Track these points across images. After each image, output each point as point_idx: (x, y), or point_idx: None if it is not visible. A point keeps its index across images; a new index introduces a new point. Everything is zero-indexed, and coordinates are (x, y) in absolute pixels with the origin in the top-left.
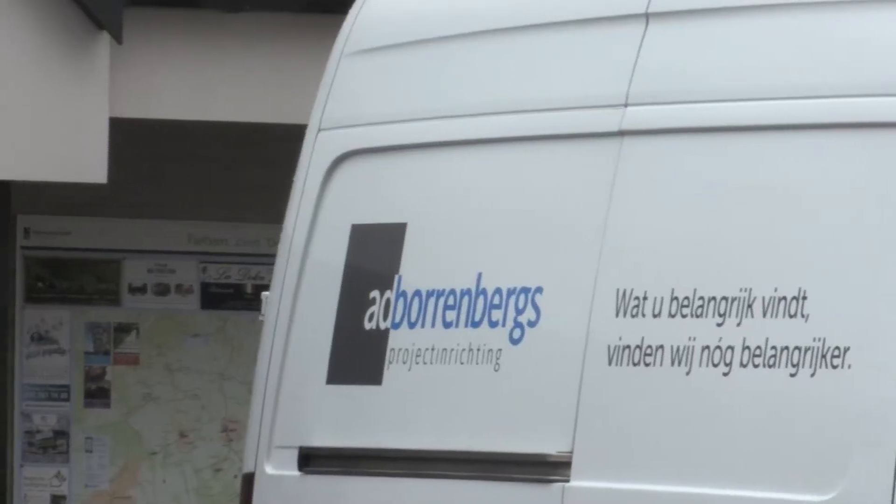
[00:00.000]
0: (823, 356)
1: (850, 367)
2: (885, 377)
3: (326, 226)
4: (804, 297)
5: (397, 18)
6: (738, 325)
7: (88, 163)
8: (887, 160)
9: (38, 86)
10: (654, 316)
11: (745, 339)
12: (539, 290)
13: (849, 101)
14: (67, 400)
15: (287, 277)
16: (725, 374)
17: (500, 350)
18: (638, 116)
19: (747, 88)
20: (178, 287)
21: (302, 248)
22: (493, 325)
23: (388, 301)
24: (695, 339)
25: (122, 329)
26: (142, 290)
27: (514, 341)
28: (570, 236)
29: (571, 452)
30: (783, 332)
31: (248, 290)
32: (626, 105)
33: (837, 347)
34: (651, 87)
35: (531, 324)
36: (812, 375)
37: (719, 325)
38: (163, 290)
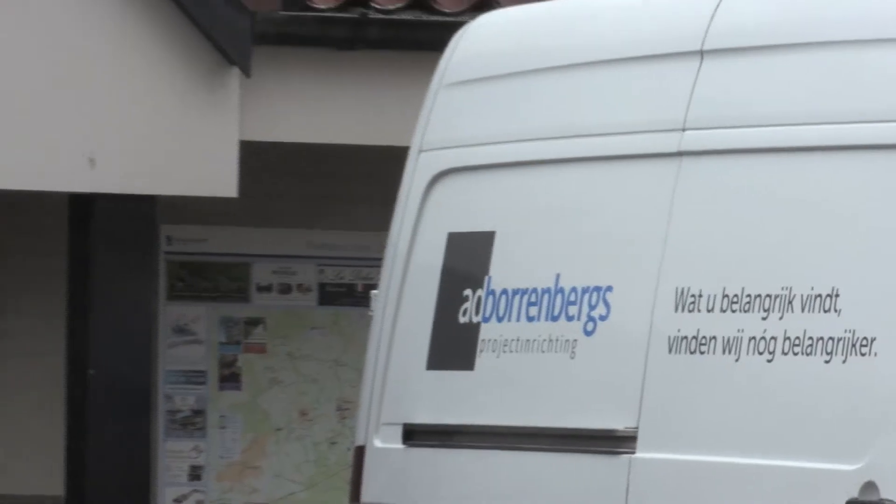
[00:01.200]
0: (853, 345)
1: (876, 354)
2: None
3: (426, 233)
4: (837, 295)
5: (486, 56)
6: (780, 318)
7: (221, 179)
8: (870, 173)
9: (178, 113)
10: (708, 311)
11: (785, 331)
12: (609, 288)
13: (875, 125)
14: (204, 383)
15: (392, 278)
16: (769, 361)
17: (575, 340)
18: (694, 139)
19: (786, 115)
20: (299, 286)
21: (405, 253)
22: (569, 319)
23: (479, 298)
24: (743, 330)
25: (251, 322)
26: (268, 289)
27: (588, 333)
28: (636, 242)
29: (637, 428)
30: (818, 324)
31: (359, 288)
32: (683, 129)
33: (865, 338)
34: (704, 114)
35: (602, 318)
36: (843, 362)
37: (764, 318)
38: (285, 289)
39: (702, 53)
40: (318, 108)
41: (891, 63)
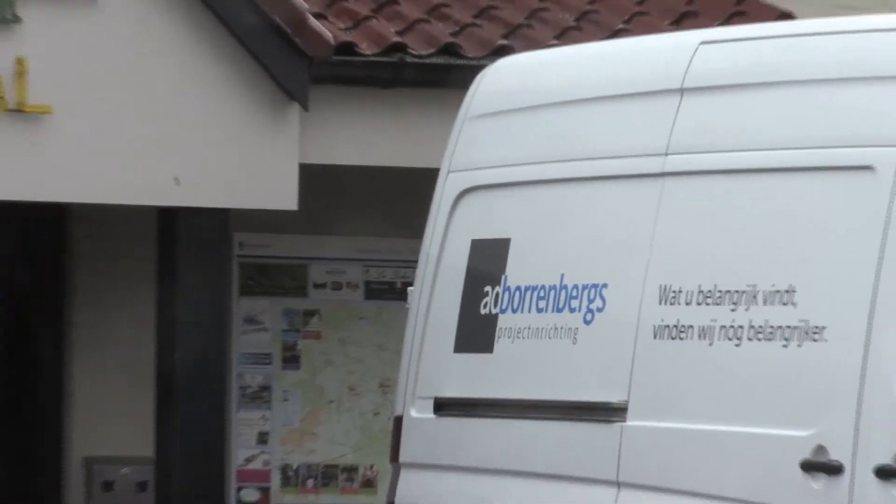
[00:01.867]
0: (807, 333)
1: (826, 340)
2: (851, 348)
3: (453, 240)
4: (793, 291)
5: (502, 93)
6: (746, 310)
7: (284, 195)
8: (849, 193)
9: (249, 140)
10: (686, 304)
11: (750, 321)
12: (605, 285)
13: (824, 151)
14: (270, 364)
15: (426, 277)
16: (737, 346)
17: (576, 329)
18: (675, 163)
19: (750, 142)
20: (348, 284)
21: (436, 256)
22: (571, 310)
23: (497, 294)
24: (715, 320)
25: (309, 314)
26: (322, 286)
27: (587, 322)
28: (627, 247)
29: (627, 401)
30: (778, 315)
31: (398, 286)
32: (666, 154)
33: (817, 327)
34: (683, 142)
35: (599, 310)
36: (799, 346)
37: (732, 310)
38: (337, 287)
39: (682, 91)
40: (365, 137)
41: (837, 99)
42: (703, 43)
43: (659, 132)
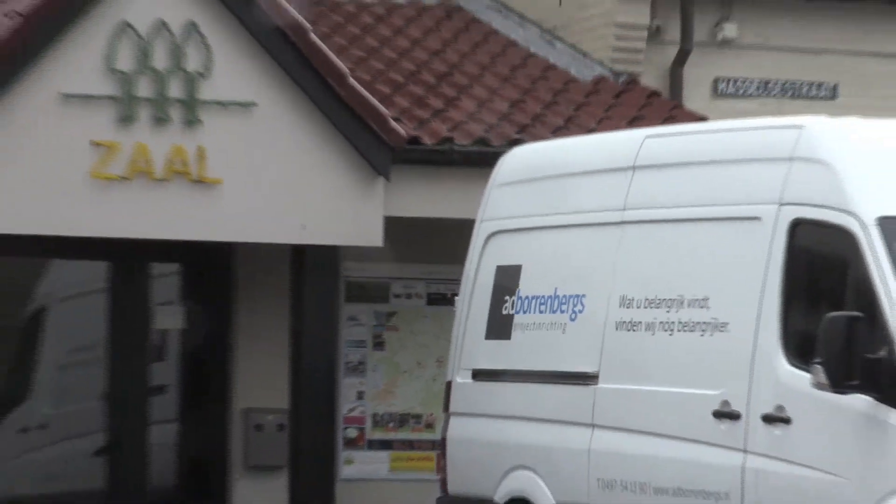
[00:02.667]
0: (716, 327)
1: (729, 332)
2: (745, 337)
3: (484, 266)
4: (707, 298)
5: (517, 170)
6: (676, 311)
7: (373, 236)
8: (744, 234)
9: (350, 199)
10: (637, 308)
11: (679, 319)
12: (584, 295)
13: (720, 208)
14: (364, 347)
15: (466, 290)
16: (670, 335)
17: (565, 324)
18: (630, 215)
19: (676, 201)
20: (416, 295)
21: (473, 276)
22: (562, 312)
23: (513, 301)
24: (656, 318)
25: (390, 314)
26: (399, 296)
27: (572, 319)
28: (598, 269)
29: (598, 371)
30: (697, 315)
31: (449, 296)
32: (624, 210)
33: (722, 322)
34: (634, 201)
35: (580, 311)
36: (711, 335)
37: (667, 312)
38: (409, 297)
39: (634, 168)
40: (426, 198)
41: (735, 173)
42: (647, 137)
43: (619, 195)
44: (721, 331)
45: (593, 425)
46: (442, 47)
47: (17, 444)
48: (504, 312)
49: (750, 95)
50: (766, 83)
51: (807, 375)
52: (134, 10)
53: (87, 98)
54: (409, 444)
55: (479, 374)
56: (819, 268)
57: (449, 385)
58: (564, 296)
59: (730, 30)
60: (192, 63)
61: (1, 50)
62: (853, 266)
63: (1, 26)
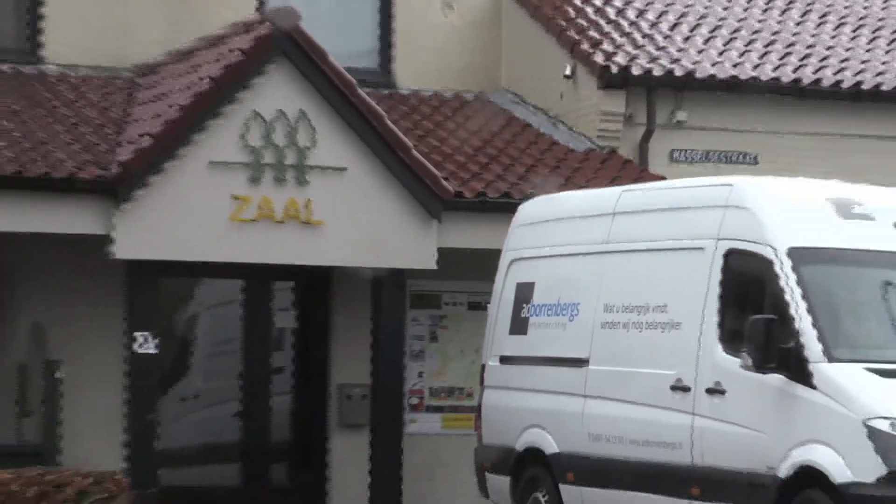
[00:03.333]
0: (673, 326)
1: (682, 329)
2: (692, 333)
3: (508, 283)
4: (665, 305)
5: (531, 215)
6: (644, 315)
7: (429, 261)
8: (693, 261)
9: (413, 235)
10: (616, 312)
11: (646, 320)
12: (579, 303)
13: (681, 240)
14: (423, 340)
15: (495, 300)
16: (640, 332)
17: (565, 324)
18: (611, 246)
19: (644, 237)
20: (459, 303)
21: (500, 290)
22: (563, 315)
23: (529, 307)
24: (630, 319)
25: (441, 317)
26: (447, 304)
27: (571, 321)
28: (589, 285)
29: (589, 357)
30: (659, 317)
31: (483, 304)
32: (607, 242)
33: (677, 322)
34: (615, 237)
35: (576, 315)
36: (669, 332)
37: (638, 315)
38: (455, 304)
39: (614, 214)
40: (468, 234)
41: (685, 216)
42: (623, 191)
43: (603, 232)
44: (676, 328)
45: (585, 396)
46: (478, 129)
47: (178, 409)
48: (522, 316)
49: (696, 162)
50: (708, 153)
51: (737, 360)
52: (261, 102)
53: (228, 165)
54: (455, 409)
55: (504, 359)
56: (745, 284)
57: (483, 367)
58: (565, 304)
59: (681, 116)
60: (302, 139)
61: (168, 131)
62: (770, 282)
63: (167, 114)
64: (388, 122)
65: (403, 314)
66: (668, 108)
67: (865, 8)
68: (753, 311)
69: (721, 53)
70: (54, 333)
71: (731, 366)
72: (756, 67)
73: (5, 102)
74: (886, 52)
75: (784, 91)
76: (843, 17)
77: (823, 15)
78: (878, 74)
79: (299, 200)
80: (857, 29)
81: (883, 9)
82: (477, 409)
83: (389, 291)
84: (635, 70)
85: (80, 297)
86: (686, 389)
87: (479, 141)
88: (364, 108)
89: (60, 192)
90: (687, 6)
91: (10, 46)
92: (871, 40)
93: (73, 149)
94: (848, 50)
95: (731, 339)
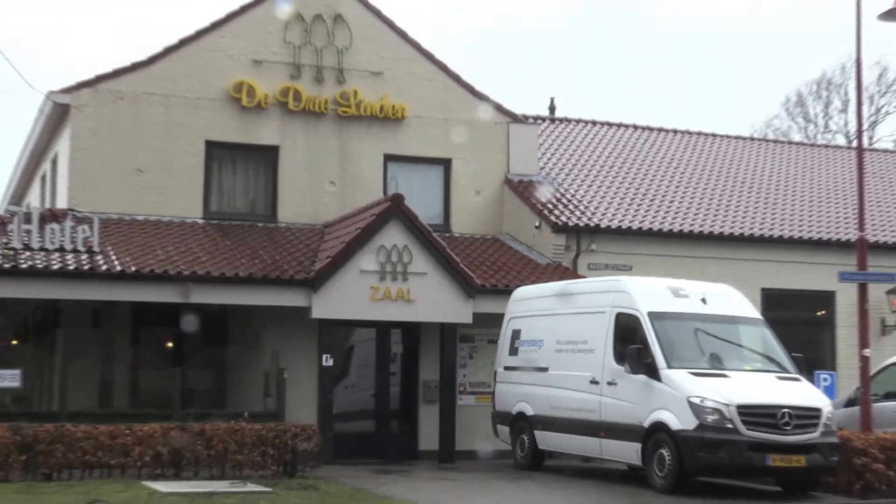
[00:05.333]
0: (590, 350)
1: (595, 352)
2: (600, 354)
3: (507, 330)
4: (587, 340)
5: (519, 295)
6: (576, 345)
7: (468, 318)
8: (600, 319)
9: (458, 306)
10: (562, 343)
11: (577, 347)
12: (543, 340)
13: (595, 306)
14: (466, 358)
15: (502, 338)
16: (574, 354)
17: (536, 350)
18: (559, 311)
19: (574, 307)
20: (484, 339)
21: (505, 333)
22: (535, 346)
23: (519, 341)
24: (568, 347)
25: (474, 347)
26: (479, 340)
27: (539, 348)
28: (548, 331)
29: (549, 366)
30: (583, 346)
31: (495, 340)
32: (556, 309)
33: (592, 349)
34: (561, 306)
35: (542, 345)
36: (588, 354)
37: (572, 345)
38: (482, 340)
39: (561, 295)
40: (489, 305)
41: (594, 298)
42: (566, 283)
43: (556, 304)
44: (591, 352)
45: (547, 386)
46: (491, 254)
47: (343, 393)
48: (515, 345)
49: (601, 270)
50: (607, 265)
51: (623, 367)
52: (385, 240)
53: (369, 272)
54: (482, 393)
55: (506, 368)
56: (626, 329)
57: (495, 372)
58: (536, 340)
59: (594, 246)
60: (404, 259)
61: (339, 255)
62: (638, 329)
63: (338, 247)
64: (448, 250)
65: (455, 345)
66: (587, 243)
67: (704, 182)
68: (630, 343)
69: (613, 216)
70: (283, 355)
71: (620, 370)
72: (630, 222)
73: (261, 242)
74: (712, 211)
75: (645, 234)
76: (687, 187)
77: (676, 189)
78: (703, 224)
79: (403, 289)
80: (693, 193)
81: (716, 181)
82: (492, 393)
83: (448, 334)
84: (571, 224)
85: (296, 337)
86: (597, 383)
87: (490, 258)
88: (435, 243)
89: (286, 285)
90: (596, 193)
91: (261, 212)
92: (708, 201)
93: (292, 264)
94: (689, 208)
95: (620, 357)
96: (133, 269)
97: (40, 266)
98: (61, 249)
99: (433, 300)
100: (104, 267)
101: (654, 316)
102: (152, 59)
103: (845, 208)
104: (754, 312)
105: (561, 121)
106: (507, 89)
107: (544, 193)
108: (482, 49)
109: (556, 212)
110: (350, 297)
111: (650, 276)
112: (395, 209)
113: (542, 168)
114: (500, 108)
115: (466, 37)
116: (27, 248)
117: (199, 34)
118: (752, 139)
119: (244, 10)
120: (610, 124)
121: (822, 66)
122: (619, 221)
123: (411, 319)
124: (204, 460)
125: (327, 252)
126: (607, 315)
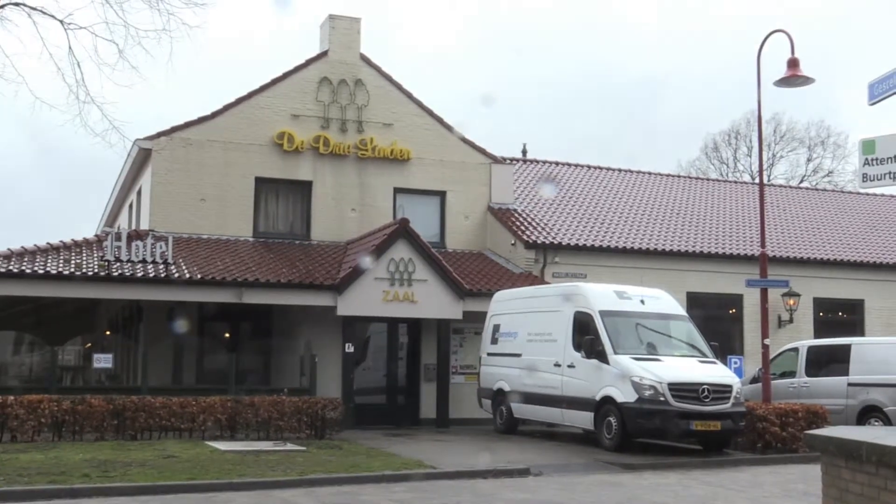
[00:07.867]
0: (553, 340)
1: (557, 341)
2: (562, 343)
3: (489, 324)
4: (551, 332)
5: (499, 297)
6: (543, 336)
7: (459, 314)
8: (563, 316)
9: (452, 306)
10: (532, 335)
11: (544, 338)
12: (517, 332)
13: (557, 307)
14: (457, 346)
15: (485, 330)
16: (542, 343)
17: (512, 340)
18: (531, 309)
19: (543, 307)
20: (471, 332)
21: (487, 327)
22: (512, 337)
23: (499, 333)
24: (537, 337)
25: (463, 337)
26: (467, 332)
27: (514, 338)
28: (521, 325)
29: (522, 353)
30: (549, 336)
31: (480, 332)
32: (529, 308)
33: (556, 339)
34: (531, 306)
35: (517, 336)
36: (551, 343)
37: (540, 336)
38: (469, 332)
39: (532, 297)
40: (474, 305)
41: (558, 298)
42: (535, 287)
43: (528, 304)
44: (555, 342)
45: (521, 368)
46: (477, 265)
47: (361, 373)
48: (495, 336)
49: (563, 278)
50: (567, 273)
51: (580, 354)
52: (394, 254)
53: (381, 279)
54: (470, 374)
55: (489, 354)
56: (582, 324)
57: (480, 357)
58: (512, 332)
59: (557, 259)
60: (409, 269)
61: (358, 267)
62: (591, 324)
63: (358, 260)
64: (443, 262)
65: (449, 336)
66: (551, 256)
67: (642, 209)
68: (585, 335)
69: (572, 235)
70: (314, 344)
71: (577, 356)
72: (586, 240)
73: (298, 256)
74: (649, 231)
75: (597, 249)
76: (630, 213)
77: (621, 214)
78: (641, 241)
79: (408, 292)
80: (634, 218)
81: (652, 208)
82: (478, 374)
83: (444, 327)
84: (539, 241)
85: (325, 330)
86: (559, 365)
87: (475, 270)
88: (434, 256)
89: (317, 289)
90: (558, 218)
91: (298, 233)
92: (645, 224)
93: (322, 273)
94: (631, 230)
95: (577, 346)
96: (199, 276)
97: (128, 274)
98: (143, 261)
99: (432, 301)
100: (177, 275)
101: (604, 314)
102: (214, 114)
103: (750, 230)
104: (681, 311)
105: (531, 161)
106: (489, 137)
107: (518, 220)
108: (473, 106)
109: (528, 232)
110: (367, 298)
111: (601, 282)
112: (402, 230)
113: (517, 198)
114: (483, 152)
115: (463, 96)
116: (118, 260)
117: (251, 94)
118: (678, 176)
119: (286, 76)
120: (569, 164)
121: (732, 120)
122: (577, 239)
123: (415, 316)
124: (253, 425)
125: (349, 264)
126: (567, 313)
